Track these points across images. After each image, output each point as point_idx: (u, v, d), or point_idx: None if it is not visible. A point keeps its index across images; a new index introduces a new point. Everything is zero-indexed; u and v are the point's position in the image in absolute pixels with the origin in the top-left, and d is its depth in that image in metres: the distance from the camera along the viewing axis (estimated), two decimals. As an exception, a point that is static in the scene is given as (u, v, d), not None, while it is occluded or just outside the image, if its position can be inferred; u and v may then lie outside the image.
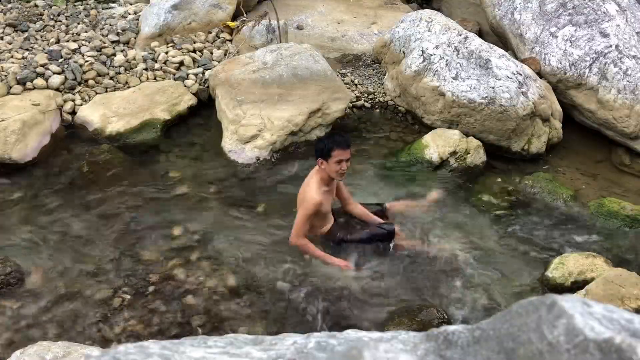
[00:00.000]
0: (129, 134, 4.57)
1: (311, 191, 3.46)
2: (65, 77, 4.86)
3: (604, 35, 5.13)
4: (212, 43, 5.58)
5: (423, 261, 3.70)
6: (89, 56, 5.06)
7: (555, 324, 1.00)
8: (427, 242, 3.82)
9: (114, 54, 5.20)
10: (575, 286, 3.47)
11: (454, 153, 4.52)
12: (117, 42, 5.40)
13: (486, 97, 4.65)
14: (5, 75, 4.76)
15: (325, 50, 5.77)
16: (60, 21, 5.67)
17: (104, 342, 3.02)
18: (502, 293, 3.52)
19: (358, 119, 5.10)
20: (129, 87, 4.96)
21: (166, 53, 5.26)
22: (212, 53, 5.41)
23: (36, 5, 5.86)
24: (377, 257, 3.69)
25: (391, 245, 3.71)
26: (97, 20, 5.69)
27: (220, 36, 5.68)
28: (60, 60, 4.97)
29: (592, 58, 5.07)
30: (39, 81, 4.76)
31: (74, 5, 5.95)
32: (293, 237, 3.55)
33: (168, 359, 1.16)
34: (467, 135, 4.69)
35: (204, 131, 4.84)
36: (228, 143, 4.48)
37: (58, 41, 5.31)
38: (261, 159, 4.40)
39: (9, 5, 5.84)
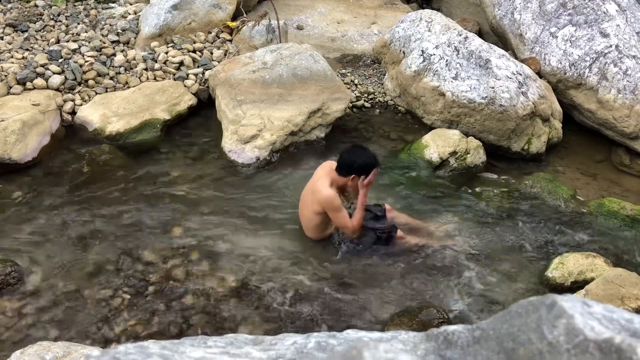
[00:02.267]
0: (129, 134, 4.57)
1: (324, 189, 3.47)
2: (65, 77, 4.86)
3: (604, 35, 5.13)
4: (212, 43, 5.58)
5: (423, 261, 3.70)
6: (89, 56, 5.06)
7: (555, 324, 1.00)
8: (427, 236, 3.84)
9: (114, 54, 5.20)
10: (575, 286, 3.47)
11: (454, 153, 4.52)
12: (117, 42, 5.40)
13: (486, 97, 4.65)
14: (5, 75, 4.75)
15: (325, 50, 5.78)
16: (60, 21, 5.67)
17: (104, 342, 3.02)
18: (502, 293, 3.52)
19: (358, 119, 5.10)
20: (129, 87, 4.96)
21: (166, 53, 5.26)
22: (212, 53, 5.41)
23: (36, 5, 5.86)
24: (377, 257, 3.69)
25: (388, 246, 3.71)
26: (97, 20, 5.69)
27: (220, 36, 5.68)
28: (60, 60, 4.97)
29: (592, 58, 5.07)
30: (39, 81, 4.76)
31: (74, 5, 5.96)
32: (349, 228, 3.56)
33: (168, 359, 1.16)
34: (467, 135, 4.69)
35: (204, 131, 4.84)
36: (228, 143, 4.48)
37: (58, 41, 5.32)
38: (261, 159, 4.40)
39: (9, 5, 5.84)
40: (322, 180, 3.53)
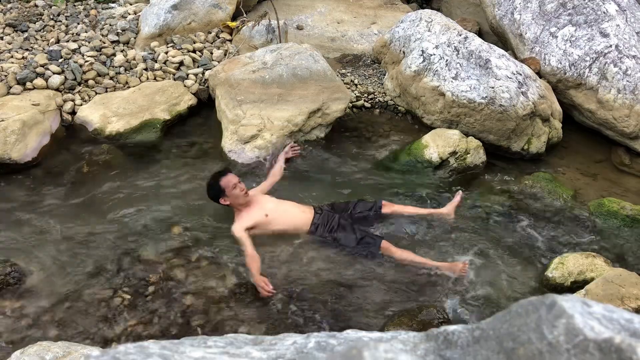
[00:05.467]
0: (128, 134, 4.58)
1: (233, 229, 3.64)
2: (65, 77, 4.86)
3: (604, 35, 5.13)
4: (212, 43, 5.58)
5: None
6: (89, 56, 5.06)
7: (555, 324, 1.00)
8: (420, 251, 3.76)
9: (114, 54, 5.20)
10: (575, 286, 3.47)
11: (453, 153, 4.52)
12: (117, 42, 5.40)
13: (486, 97, 4.65)
14: (5, 75, 4.76)
15: (325, 50, 5.77)
16: (60, 21, 5.67)
17: (104, 342, 3.02)
18: (502, 293, 3.52)
19: (358, 119, 5.10)
20: (128, 87, 4.96)
21: (166, 53, 5.27)
22: (212, 53, 5.41)
23: (36, 5, 5.87)
24: (376, 258, 3.69)
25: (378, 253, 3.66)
26: (97, 20, 5.69)
27: (220, 36, 5.68)
28: (60, 60, 4.98)
29: (592, 58, 5.07)
30: (39, 81, 4.76)
31: (74, 5, 5.96)
32: (246, 260, 3.58)
33: (168, 359, 1.16)
34: (467, 135, 4.69)
35: (203, 131, 4.84)
36: (228, 143, 4.48)
37: (58, 41, 5.32)
38: (261, 159, 4.40)
39: (9, 5, 5.84)
40: (235, 219, 3.69)
